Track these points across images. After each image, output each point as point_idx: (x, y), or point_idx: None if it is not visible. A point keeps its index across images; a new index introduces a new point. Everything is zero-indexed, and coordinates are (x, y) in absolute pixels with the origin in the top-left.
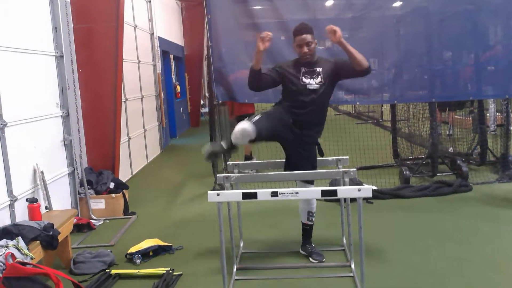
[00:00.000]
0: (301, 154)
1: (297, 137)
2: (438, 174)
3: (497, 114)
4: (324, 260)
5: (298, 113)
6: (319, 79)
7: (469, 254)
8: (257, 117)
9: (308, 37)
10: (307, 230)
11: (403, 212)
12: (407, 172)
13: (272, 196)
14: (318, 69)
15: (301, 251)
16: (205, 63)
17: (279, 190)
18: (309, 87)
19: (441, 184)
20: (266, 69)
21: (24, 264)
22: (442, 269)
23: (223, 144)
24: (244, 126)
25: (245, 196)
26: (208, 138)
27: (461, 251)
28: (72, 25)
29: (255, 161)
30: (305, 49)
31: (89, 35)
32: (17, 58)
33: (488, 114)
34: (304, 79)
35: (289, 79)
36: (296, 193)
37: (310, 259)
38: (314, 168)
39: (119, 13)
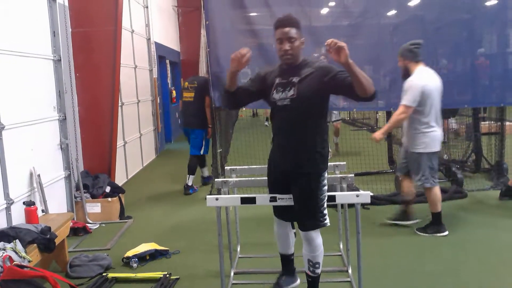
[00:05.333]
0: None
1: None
2: None
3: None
4: None
5: (276, 138)
6: (291, 91)
7: (464, 259)
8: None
9: (291, 31)
10: (309, 282)
11: None
12: None
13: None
14: (295, 79)
15: None
16: (203, 68)
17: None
18: (279, 103)
19: None
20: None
21: (21, 267)
22: (438, 273)
23: None
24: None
25: (244, 200)
26: None
27: (456, 256)
28: (70, 29)
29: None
30: (286, 46)
31: (87, 40)
32: (15, 62)
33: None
34: (275, 94)
35: (265, 92)
36: None
37: None
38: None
39: (117, 18)
